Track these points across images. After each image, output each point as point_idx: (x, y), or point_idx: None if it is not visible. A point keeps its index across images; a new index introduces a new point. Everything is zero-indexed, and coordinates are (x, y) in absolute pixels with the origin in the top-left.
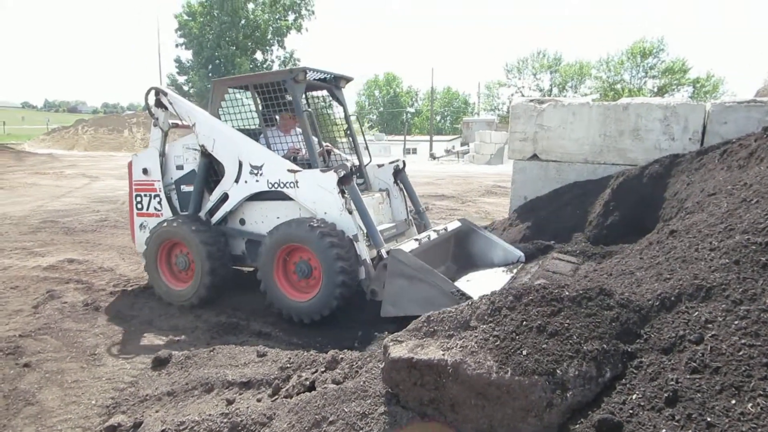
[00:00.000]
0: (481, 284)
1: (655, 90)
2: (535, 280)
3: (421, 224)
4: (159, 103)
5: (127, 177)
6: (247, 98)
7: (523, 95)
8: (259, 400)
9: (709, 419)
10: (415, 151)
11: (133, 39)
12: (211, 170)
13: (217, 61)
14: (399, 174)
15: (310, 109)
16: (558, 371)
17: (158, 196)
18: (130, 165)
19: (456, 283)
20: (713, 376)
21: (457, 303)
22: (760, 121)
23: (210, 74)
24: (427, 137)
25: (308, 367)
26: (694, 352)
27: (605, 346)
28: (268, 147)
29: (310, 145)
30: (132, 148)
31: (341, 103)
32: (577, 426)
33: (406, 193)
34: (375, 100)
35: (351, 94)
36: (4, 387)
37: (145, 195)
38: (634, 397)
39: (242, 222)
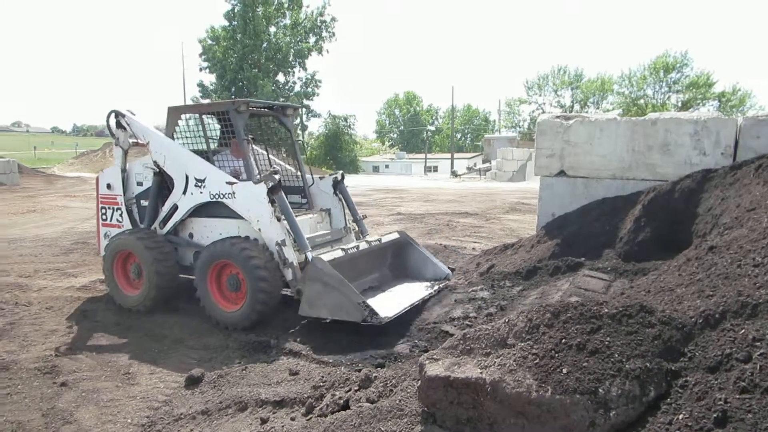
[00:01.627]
0: (398, 295)
1: (679, 105)
2: (567, 298)
3: (358, 232)
4: (119, 125)
5: (95, 191)
6: (198, 123)
7: (544, 112)
8: (293, 419)
9: None
10: (436, 168)
11: (158, 64)
12: (164, 185)
13: (240, 84)
14: (338, 185)
15: (250, 137)
16: (600, 390)
17: (120, 209)
18: (97, 180)
19: (383, 292)
20: (764, 395)
21: (363, 313)
22: None
23: (233, 96)
24: (448, 155)
25: (341, 385)
26: (742, 371)
27: (648, 364)
28: (216, 166)
29: (248, 168)
30: None
31: (288, 129)
32: None
33: (344, 203)
34: (395, 118)
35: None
36: (43, 405)
37: (109, 207)
38: (680, 417)
39: (191, 236)
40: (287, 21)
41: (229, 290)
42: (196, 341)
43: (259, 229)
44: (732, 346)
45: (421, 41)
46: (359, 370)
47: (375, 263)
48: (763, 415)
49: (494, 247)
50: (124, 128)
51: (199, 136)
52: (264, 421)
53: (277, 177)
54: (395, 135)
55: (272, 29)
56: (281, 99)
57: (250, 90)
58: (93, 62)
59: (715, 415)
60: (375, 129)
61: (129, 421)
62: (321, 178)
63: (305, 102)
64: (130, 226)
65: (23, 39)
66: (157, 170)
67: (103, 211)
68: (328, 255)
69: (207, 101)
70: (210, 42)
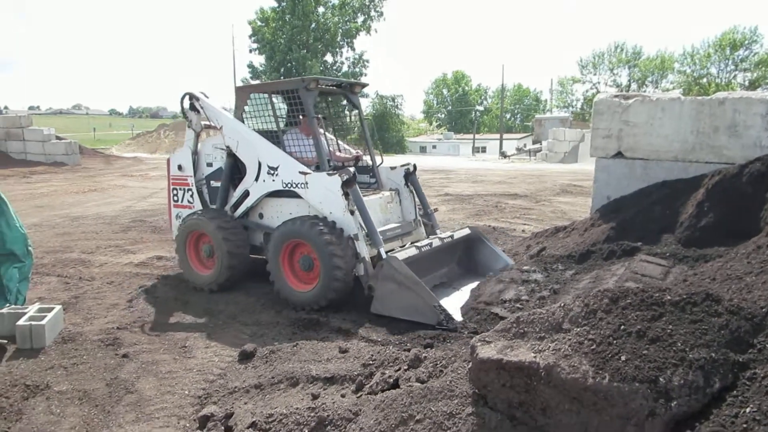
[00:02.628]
0: (468, 294)
1: (746, 84)
2: (623, 283)
3: (429, 225)
4: (192, 107)
5: (166, 172)
6: (267, 103)
7: (598, 91)
8: (343, 396)
9: None
10: (484, 149)
11: (209, 46)
12: (235, 169)
13: (289, 65)
14: (410, 177)
15: (319, 115)
16: (661, 379)
17: (190, 190)
18: (168, 162)
19: (454, 290)
20: None
21: (438, 317)
22: None
23: (282, 77)
24: (497, 135)
25: (391, 364)
26: None
27: (713, 354)
28: (284, 147)
29: (319, 149)
30: None
31: (356, 107)
32: None
33: (415, 195)
34: (443, 98)
35: (419, 92)
36: (106, 375)
37: (180, 189)
38: (747, 410)
39: (261, 216)
40: (335, 1)
41: (301, 270)
42: (248, 317)
43: (333, 222)
44: None
45: (471, 19)
46: (408, 350)
47: (445, 259)
48: None
49: (545, 229)
50: (198, 111)
51: (268, 116)
52: (315, 397)
53: (351, 170)
54: (443, 115)
55: (320, 9)
56: None
57: (298, 71)
58: (148, 46)
59: None
60: (422, 109)
61: (186, 392)
62: (392, 168)
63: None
64: (200, 207)
65: (82, 25)
66: (229, 152)
67: (175, 192)
68: (403, 253)
69: (268, 81)
70: (259, 23)
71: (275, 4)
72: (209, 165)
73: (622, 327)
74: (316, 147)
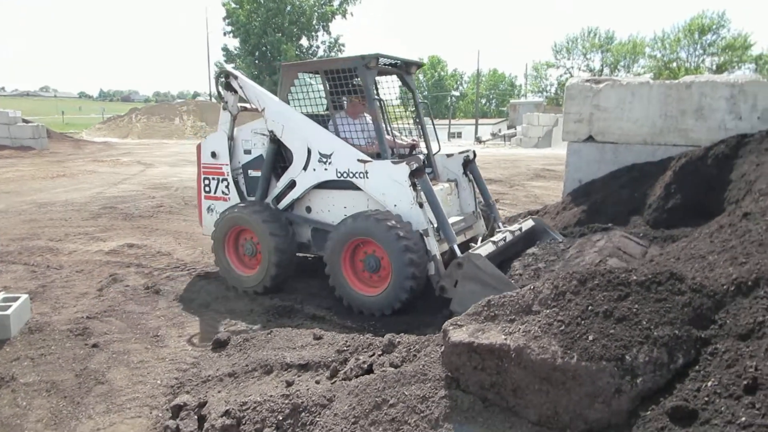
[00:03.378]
0: None
1: (714, 68)
2: (606, 257)
3: (490, 217)
4: (228, 86)
5: (196, 160)
6: (316, 83)
7: (572, 76)
8: (318, 382)
9: None
10: (460, 135)
11: (182, 29)
12: (279, 156)
13: (264, 48)
14: (469, 164)
15: (380, 97)
16: (627, 357)
17: (226, 180)
18: (198, 148)
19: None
20: None
21: None
22: None
23: (257, 61)
24: (472, 121)
25: (365, 350)
26: None
27: (677, 331)
28: (337, 132)
29: (380, 134)
30: (183, 136)
31: (411, 89)
32: (648, 413)
33: (475, 185)
34: (419, 83)
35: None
36: (76, 366)
37: (213, 178)
38: (709, 384)
39: (308, 210)
40: None
41: (365, 271)
42: (222, 305)
43: (398, 215)
44: (765, 314)
45: (447, 4)
46: (383, 335)
47: (510, 252)
48: None
49: (518, 213)
50: (235, 91)
51: (317, 98)
52: (290, 384)
53: (421, 157)
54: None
55: None
56: None
57: (273, 55)
58: (120, 28)
59: (745, 383)
60: (398, 94)
61: (159, 382)
62: (449, 155)
63: None
64: (237, 199)
65: (50, 4)
66: (273, 138)
67: (206, 182)
68: (483, 250)
69: (318, 59)
70: (234, 5)
71: None
72: (247, 152)
73: (590, 307)
74: (377, 133)
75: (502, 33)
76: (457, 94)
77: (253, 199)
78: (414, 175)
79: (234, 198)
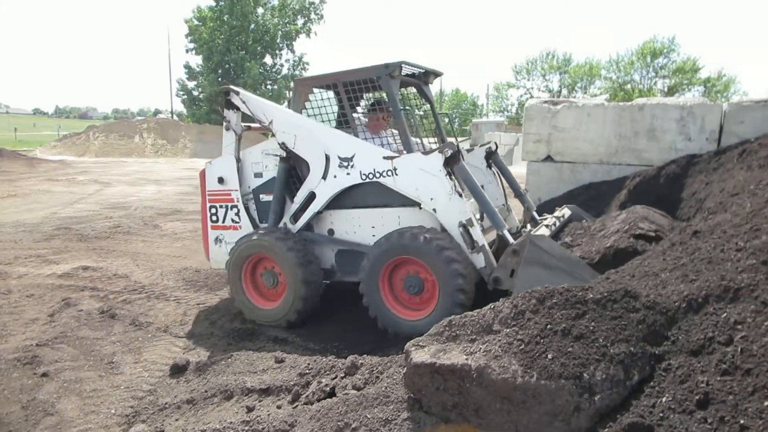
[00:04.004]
0: None
1: (666, 90)
2: (634, 223)
3: (523, 206)
4: (230, 104)
5: (200, 187)
6: (331, 98)
7: (532, 96)
8: (279, 407)
9: (742, 422)
10: None
11: (143, 45)
12: (292, 176)
13: (227, 66)
14: (492, 156)
15: (407, 107)
16: (585, 375)
17: (236, 206)
18: (202, 174)
19: None
20: (745, 377)
21: None
22: None
23: (220, 79)
24: (436, 140)
25: (327, 372)
26: (723, 353)
27: (632, 348)
28: None
29: (409, 147)
30: (143, 154)
31: (429, 99)
32: (606, 430)
33: (502, 177)
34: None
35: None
36: (23, 397)
37: (221, 206)
38: (663, 400)
39: (331, 233)
40: (275, 2)
41: (407, 293)
42: (180, 329)
43: (434, 210)
44: (714, 330)
45: (410, 24)
46: (345, 357)
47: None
48: (744, 397)
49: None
50: (237, 108)
51: (336, 112)
52: (250, 410)
53: (455, 143)
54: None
55: (260, 10)
56: (268, 82)
57: (237, 72)
58: (77, 42)
59: (697, 398)
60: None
61: (113, 411)
62: (469, 150)
63: (292, 85)
64: (249, 227)
65: (3, 18)
66: (285, 155)
67: (213, 210)
68: (542, 232)
69: (336, 71)
70: (196, 23)
71: (213, 4)
72: (258, 175)
73: (549, 326)
74: (405, 146)
75: (464, 54)
76: (420, 113)
77: (266, 225)
78: (449, 163)
79: (246, 225)
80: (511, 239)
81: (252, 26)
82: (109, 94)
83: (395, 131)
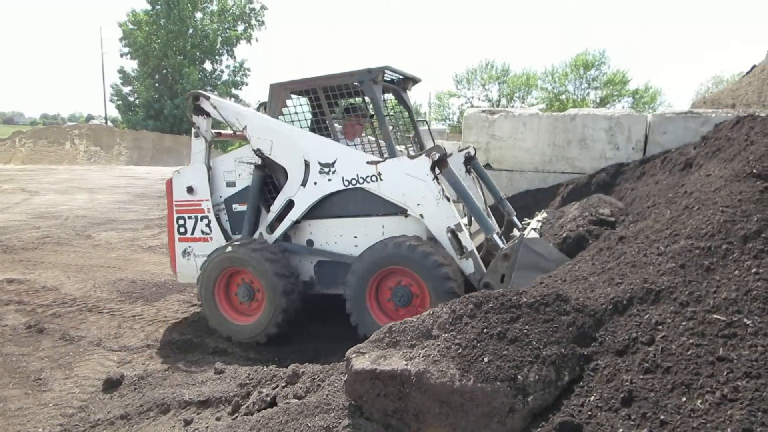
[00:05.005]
0: None
1: (598, 101)
2: (593, 207)
3: (503, 213)
4: (199, 110)
5: (166, 197)
6: (308, 103)
7: (473, 105)
8: (218, 419)
9: (662, 417)
10: None
11: (73, 47)
12: (267, 184)
13: (164, 71)
14: (471, 161)
15: (391, 114)
16: (519, 377)
17: (206, 217)
18: (169, 183)
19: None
20: (665, 375)
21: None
22: (696, 131)
23: (157, 84)
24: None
25: (268, 382)
26: (646, 353)
27: (563, 350)
28: None
29: (393, 152)
30: (74, 161)
31: (407, 106)
32: (539, 429)
33: (481, 182)
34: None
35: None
36: None
37: (190, 217)
38: (591, 399)
39: (310, 243)
40: (214, 7)
41: (394, 305)
42: (114, 342)
43: (421, 215)
44: (638, 331)
45: (352, 31)
46: (287, 366)
47: None
48: (664, 393)
49: None
50: (207, 114)
51: (318, 119)
52: (188, 423)
53: (443, 147)
54: None
55: (198, 15)
56: (208, 88)
57: (174, 78)
58: (2, 42)
59: (622, 396)
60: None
61: (40, 430)
62: (447, 155)
63: (233, 91)
64: (221, 238)
65: None
66: (260, 162)
67: (181, 221)
68: (531, 235)
69: (316, 76)
70: (131, 26)
71: (149, 7)
72: (231, 185)
73: (485, 330)
74: (388, 147)
75: (406, 61)
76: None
77: (239, 236)
78: (436, 167)
79: (217, 237)
80: (501, 243)
81: (190, 31)
82: (36, 98)
83: (371, 138)
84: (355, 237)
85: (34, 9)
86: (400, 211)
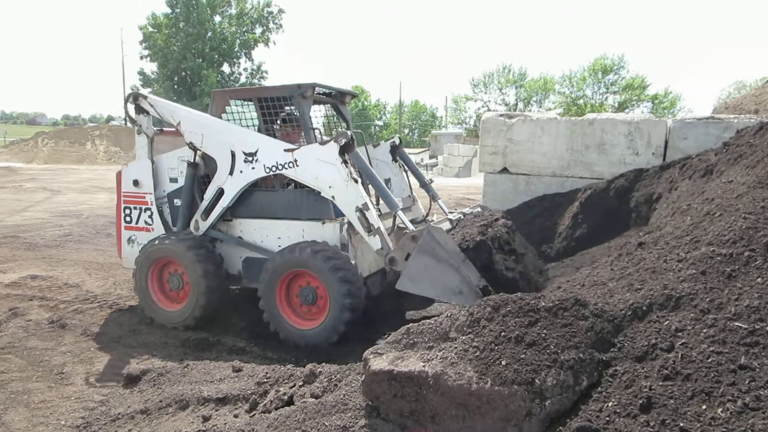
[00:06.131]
0: None
1: (616, 105)
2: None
3: (427, 197)
4: (140, 109)
5: (116, 188)
6: (249, 110)
7: (489, 109)
8: (236, 416)
9: (682, 424)
10: None
11: (94, 50)
12: (200, 181)
13: (183, 74)
14: (396, 150)
15: (318, 127)
16: (536, 381)
17: (149, 209)
18: (119, 175)
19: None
20: (684, 382)
21: (475, 299)
22: (717, 137)
23: (176, 86)
24: None
25: (286, 381)
26: (665, 359)
27: (581, 355)
28: None
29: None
30: (95, 161)
31: (345, 118)
32: None
33: (407, 168)
34: None
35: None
36: None
37: (135, 208)
38: (610, 404)
39: (240, 240)
40: (233, 11)
41: (302, 304)
42: (134, 339)
43: (333, 197)
44: (657, 337)
45: (370, 35)
46: (304, 365)
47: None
48: (684, 401)
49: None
50: (146, 112)
51: (252, 126)
52: (206, 419)
53: (349, 133)
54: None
55: (217, 18)
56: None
57: (193, 80)
58: (25, 45)
59: (640, 402)
60: (323, 122)
61: (63, 422)
62: (375, 145)
63: None
64: (161, 230)
65: None
66: (193, 160)
67: (127, 212)
68: (442, 226)
69: (252, 86)
70: (151, 29)
71: (168, 11)
72: (173, 180)
73: (503, 333)
74: None
75: (423, 66)
76: (380, 123)
77: (176, 230)
78: (344, 151)
79: (158, 228)
80: (405, 219)
81: (209, 34)
82: (58, 99)
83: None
84: (279, 237)
85: (56, 12)
86: (318, 217)
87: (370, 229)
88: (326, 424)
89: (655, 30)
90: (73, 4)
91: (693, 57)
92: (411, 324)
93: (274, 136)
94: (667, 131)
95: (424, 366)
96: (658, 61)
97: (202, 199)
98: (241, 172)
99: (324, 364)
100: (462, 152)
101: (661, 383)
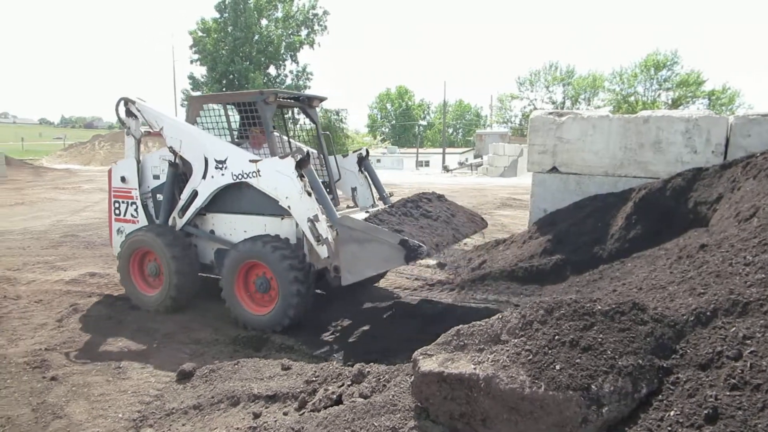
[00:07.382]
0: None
1: (669, 102)
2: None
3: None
4: (129, 113)
5: (107, 184)
6: (220, 114)
7: (535, 108)
8: (285, 414)
9: None
10: (427, 163)
11: (147, 55)
12: (179, 179)
13: (231, 76)
14: (363, 162)
15: (276, 131)
16: (593, 386)
17: (135, 203)
18: (109, 172)
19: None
20: (754, 393)
21: (407, 252)
22: None
23: (224, 89)
24: (440, 150)
25: (334, 380)
26: (732, 368)
27: (640, 361)
28: None
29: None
30: None
31: (314, 121)
32: None
33: (370, 180)
34: (387, 113)
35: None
36: (33, 400)
37: (123, 202)
38: (672, 413)
39: (212, 233)
40: (279, 14)
41: (257, 292)
42: (186, 336)
43: (289, 207)
44: (723, 344)
45: (414, 36)
46: (352, 365)
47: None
48: (753, 412)
49: (486, 242)
50: (135, 116)
51: (222, 128)
52: (257, 416)
53: (305, 149)
54: (387, 129)
55: (264, 22)
56: None
57: (241, 83)
58: (82, 53)
59: (705, 412)
60: (367, 123)
61: (120, 415)
62: (344, 155)
63: None
64: (145, 222)
65: (10, 28)
66: (173, 160)
67: (116, 205)
68: (352, 215)
69: (222, 92)
70: (201, 34)
71: (217, 15)
72: (156, 177)
73: (557, 337)
74: (272, 154)
75: (467, 65)
76: (424, 123)
77: (158, 222)
78: (299, 166)
79: (142, 221)
80: (329, 233)
81: (256, 37)
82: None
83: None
84: (245, 231)
85: (108, 21)
86: (278, 213)
87: (319, 238)
88: (375, 424)
89: (710, 23)
90: (128, 11)
91: (753, 51)
92: (461, 325)
93: (243, 137)
94: (728, 128)
95: (474, 368)
96: (714, 56)
97: (180, 197)
98: (212, 177)
99: (372, 364)
100: (507, 152)
101: (728, 393)
